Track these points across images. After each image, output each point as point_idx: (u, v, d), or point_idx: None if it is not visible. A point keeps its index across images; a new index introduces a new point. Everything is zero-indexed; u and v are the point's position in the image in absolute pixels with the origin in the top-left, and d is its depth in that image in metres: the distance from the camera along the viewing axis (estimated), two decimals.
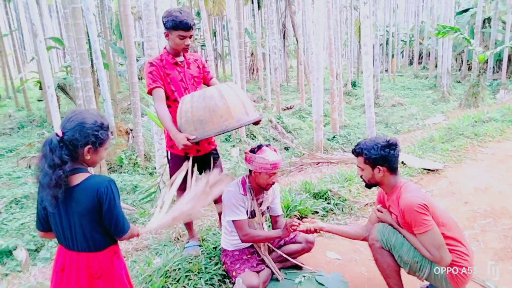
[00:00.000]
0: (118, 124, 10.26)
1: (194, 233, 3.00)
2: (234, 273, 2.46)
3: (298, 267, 2.71)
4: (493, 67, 19.49)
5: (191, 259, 2.65)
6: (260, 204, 2.61)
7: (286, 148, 9.74)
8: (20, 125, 13.85)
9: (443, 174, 4.71)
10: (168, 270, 2.52)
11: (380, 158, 2.12)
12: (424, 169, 4.80)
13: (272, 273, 2.58)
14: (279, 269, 2.65)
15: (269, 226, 2.96)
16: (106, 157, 7.68)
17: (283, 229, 2.42)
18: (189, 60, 2.69)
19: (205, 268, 2.57)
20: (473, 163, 5.09)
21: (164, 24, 2.48)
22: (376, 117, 12.06)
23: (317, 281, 2.58)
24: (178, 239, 3.22)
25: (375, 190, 3.63)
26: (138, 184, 7.20)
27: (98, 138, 1.57)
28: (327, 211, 3.69)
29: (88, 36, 9.49)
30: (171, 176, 2.81)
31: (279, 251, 2.68)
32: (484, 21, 19.43)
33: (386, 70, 28.11)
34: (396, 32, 30.31)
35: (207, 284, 2.44)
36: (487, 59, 11.77)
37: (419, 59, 31.01)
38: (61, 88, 12.80)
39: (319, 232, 2.43)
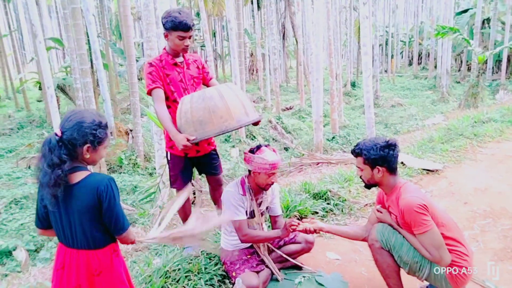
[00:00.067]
0: (117, 125, 10.26)
1: None
2: (234, 274, 2.46)
3: (298, 268, 2.71)
4: (493, 67, 19.52)
5: (191, 260, 2.65)
6: (260, 204, 2.61)
7: (286, 149, 9.74)
8: (20, 125, 13.85)
9: (443, 175, 4.71)
10: (168, 271, 2.52)
11: (379, 158, 2.12)
12: (424, 169, 4.80)
13: (272, 274, 2.58)
14: (279, 269, 2.65)
15: (268, 226, 2.96)
16: (106, 156, 7.69)
17: (283, 229, 2.43)
18: (188, 61, 2.69)
19: (205, 268, 2.57)
20: (472, 164, 5.09)
21: (164, 25, 2.49)
22: (376, 117, 12.07)
23: (317, 281, 2.57)
24: None
25: (375, 190, 3.62)
26: (137, 185, 7.21)
27: (97, 137, 1.58)
28: (326, 212, 3.69)
29: (88, 37, 9.49)
30: (170, 176, 2.82)
31: (278, 251, 2.68)
32: (483, 22, 19.45)
33: (386, 71, 28.13)
34: (395, 33, 30.33)
35: (207, 284, 2.44)
36: (486, 60, 11.80)
37: (418, 59, 31.04)
38: (61, 88, 12.81)
39: (319, 233, 2.43)
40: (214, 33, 28.29)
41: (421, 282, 2.30)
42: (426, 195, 2.17)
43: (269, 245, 2.70)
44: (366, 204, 3.88)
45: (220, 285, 2.50)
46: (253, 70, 25.59)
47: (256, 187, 2.52)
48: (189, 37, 2.52)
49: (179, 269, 2.54)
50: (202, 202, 4.42)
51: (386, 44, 29.22)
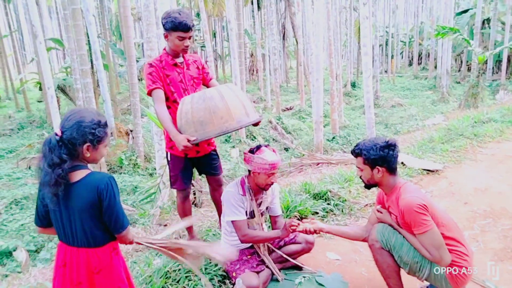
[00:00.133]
0: (118, 125, 10.26)
1: (194, 233, 3.00)
2: (234, 274, 2.46)
3: (298, 268, 2.71)
4: (493, 67, 19.52)
5: None
6: (259, 205, 2.61)
7: (286, 149, 9.74)
8: (20, 126, 13.86)
9: (443, 175, 4.71)
10: (168, 271, 2.53)
11: (379, 158, 2.12)
12: (424, 169, 4.80)
13: (272, 274, 2.58)
14: (279, 269, 2.65)
15: (268, 226, 2.97)
16: (106, 156, 7.70)
17: (283, 229, 2.43)
18: (188, 61, 2.69)
19: (205, 268, 2.56)
20: (472, 164, 5.09)
21: (164, 25, 2.49)
22: (376, 117, 12.06)
23: (317, 281, 2.58)
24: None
25: (375, 190, 3.63)
26: (138, 185, 7.21)
27: (96, 136, 1.59)
28: (327, 212, 3.69)
29: (88, 37, 9.50)
30: (171, 176, 2.82)
31: (279, 252, 2.68)
32: (483, 22, 19.45)
33: (386, 71, 28.13)
34: (395, 33, 30.33)
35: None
36: (486, 60, 11.79)
37: (418, 59, 31.03)
38: (61, 89, 12.83)
39: (319, 233, 2.43)
40: (214, 34, 28.31)
41: (421, 282, 2.30)
42: (426, 195, 2.18)
43: (269, 245, 2.70)
44: (366, 205, 3.89)
45: (220, 285, 2.50)
46: (253, 71, 25.61)
47: (256, 187, 2.52)
48: (189, 38, 2.52)
49: (179, 269, 2.54)
50: (202, 203, 4.43)
51: (386, 44, 29.22)
